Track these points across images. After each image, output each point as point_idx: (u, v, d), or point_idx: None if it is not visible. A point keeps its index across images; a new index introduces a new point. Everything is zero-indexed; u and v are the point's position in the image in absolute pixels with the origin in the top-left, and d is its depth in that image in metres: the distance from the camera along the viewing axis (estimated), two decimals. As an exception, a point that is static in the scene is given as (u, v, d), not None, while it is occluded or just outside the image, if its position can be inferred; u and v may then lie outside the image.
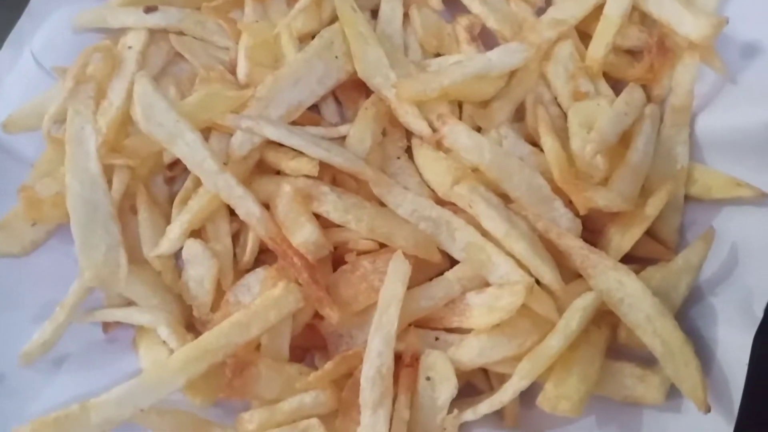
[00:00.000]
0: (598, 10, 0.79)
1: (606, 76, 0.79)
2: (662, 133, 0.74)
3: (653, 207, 0.67)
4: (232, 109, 0.73)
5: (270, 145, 0.73)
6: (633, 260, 0.68)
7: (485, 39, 0.83)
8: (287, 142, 0.71)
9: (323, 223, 0.68)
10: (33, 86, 0.82)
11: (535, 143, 0.75)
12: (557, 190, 0.70)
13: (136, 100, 0.70)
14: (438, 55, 0.84)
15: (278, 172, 0.74)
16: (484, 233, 0.67)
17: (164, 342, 0.68)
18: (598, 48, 0.77)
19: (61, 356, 0.72)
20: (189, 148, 0.70)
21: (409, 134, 0.77)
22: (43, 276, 0.75)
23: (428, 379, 0.62)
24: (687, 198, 0.71)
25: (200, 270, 0.69)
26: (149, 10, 0.83)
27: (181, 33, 0.83)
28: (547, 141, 0.71)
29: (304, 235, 0.65)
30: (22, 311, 0.74)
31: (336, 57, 0.78)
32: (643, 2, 0.78)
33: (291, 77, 0.75)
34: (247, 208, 0.68)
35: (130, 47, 0.79)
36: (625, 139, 0.72)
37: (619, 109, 0.72)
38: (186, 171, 0.73)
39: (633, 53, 0.80)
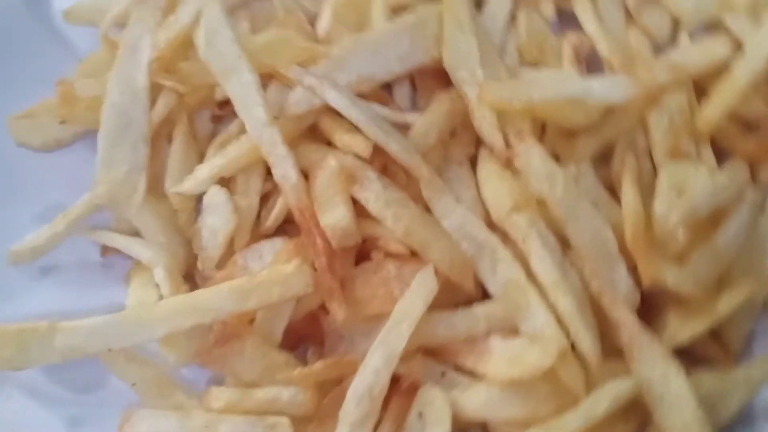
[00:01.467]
0: (723, 66, 0.70)
1: (712, 141, 0.70)
2: (760, 224, 0.64)
3: (726, 304, 0.59)
4: (301, 61, 0.67)
5: (328, 110, 0.66)
6: (686, 356, 0.58)
7: (591, 63, 0.75)
8: (347, 113, 0.64)
9: (359, 211, 0.61)
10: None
11: (614, 192, 0.67)
12: (624, 251, 0.61)
13: (203, 22, 0.64)
14: (535, 66, 0.76)
15: (329, 143, 0.68)
16: (530, 275, 0.59)
17: (157, 285, 0.63)
18: (715, 109, 0.68)
19: (50, 266, 0.68)
20: (243, 89, 0.64)
21: (479, 142, 0.69)
22: (58, 177, 0.71)
23: (420, 415, 0.54)
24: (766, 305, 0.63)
25: (218, 221, 0.63)
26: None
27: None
28: (628, 193, 0.63)
29: (335, 216, 0.58)
30: (26, 207, 0.70)
31: (425, 38, 0.71)
32: (776, 74, 0.68)
33: (371, 45, 0.69)
34: (285, 170, 0.62)
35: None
36: (715, 218, 0.63)
37: (719, 182, 0.63)
38: (235, 114, 0.67)
39: (748, 124, 0.71)
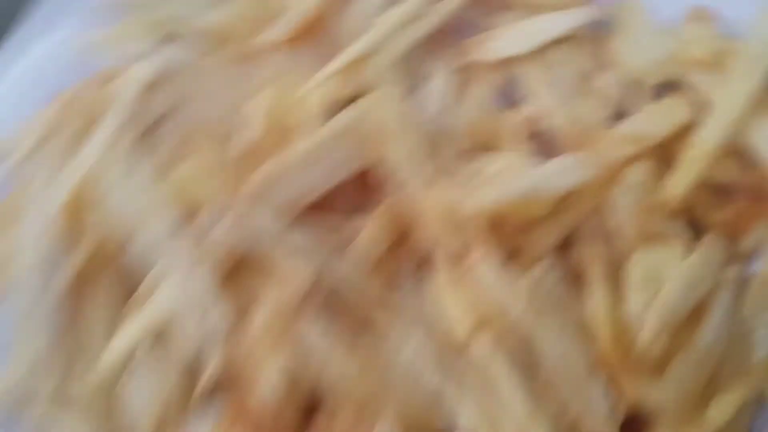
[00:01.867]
0: (686, 129, 0.65)
1: (685, 212, 0.64)
2: (743, 309, 0.59)
3: (719, 412, 0.53)
4: (226, 190, 0.61)
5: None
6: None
7: (544, 139, 0.69)
8: (282, 242, 0.59)
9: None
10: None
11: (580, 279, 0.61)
12: (600, 359, 0.56)
13: (111, 164, 0.59)
14: (486, 146, 0.70)
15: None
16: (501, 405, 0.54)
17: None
18: (680, 183, 0.62)
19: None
20: (163, 232, 0.58)
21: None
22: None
23: None
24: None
25: (145, 392, 0.57)
26: (164, 41, 0.71)
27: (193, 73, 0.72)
28: (597, 297, 0.57)
29: (266, 382, 0.52)
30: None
31: (362, 138, 0.65)
32: (748, 133, 0.63)
33: (304, 158, 0.63)
34: (212, 322, 0.56)
35: (120, 92, 0.67)
36: (693, 311, 0.57)
37: (693, 273, 0.58)
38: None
39: (721, 190, 0.65)
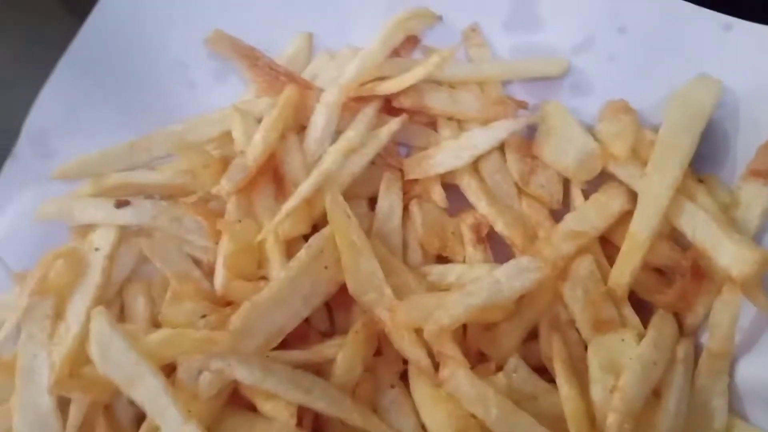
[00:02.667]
0: (623, 216, 0.70)
1: (632, 293, 0.69)
2: (697, 381, 0.63)
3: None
4: (201, 349, 0.64)
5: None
6: None
7: (494, 241, 0.74)
8: (262, 386, 0.61)
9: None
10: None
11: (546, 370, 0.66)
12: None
13: (92, 338, 0.62)
14: (440, 256, 0.75)
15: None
16: None
17: None
18: (623, 273, 0.67)
19: None
20: (150, 394, 0.61)
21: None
22: None
23: None
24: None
25: None
26: (121, 204, 0.74)
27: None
28: (563, 389, 0.61)
29: None
30: None
31: (325, 267, 0.69)
32: (675, 217, 0.68)
33: (271, 302, 0.66)
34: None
35: (97, 249, 0.71)
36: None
37: (647, 358, 0.62)
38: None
39: (662, 272, 0.70)
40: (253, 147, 0.74)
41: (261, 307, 0.65)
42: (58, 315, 0.68)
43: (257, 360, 0.64)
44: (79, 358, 0.66)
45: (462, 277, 0.70)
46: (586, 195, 0.73)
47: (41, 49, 0.89)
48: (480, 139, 0.74)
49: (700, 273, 0.67)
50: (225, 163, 0.75)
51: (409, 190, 0.77)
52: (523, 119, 0.75)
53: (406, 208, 0.76)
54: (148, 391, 0.61)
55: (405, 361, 0.68)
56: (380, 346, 0.69)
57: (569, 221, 0.70)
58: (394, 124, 0.76)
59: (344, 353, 0.66)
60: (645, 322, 0.67)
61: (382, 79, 0.79)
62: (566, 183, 0.75)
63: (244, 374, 0.61)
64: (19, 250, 0.76)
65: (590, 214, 0.70)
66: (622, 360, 0.63)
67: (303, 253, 0.69)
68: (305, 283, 0.67)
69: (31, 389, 0.64)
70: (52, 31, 0.90)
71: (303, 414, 0.63)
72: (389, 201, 0.75)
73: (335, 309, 0.73)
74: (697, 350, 0.66)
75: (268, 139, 0.73)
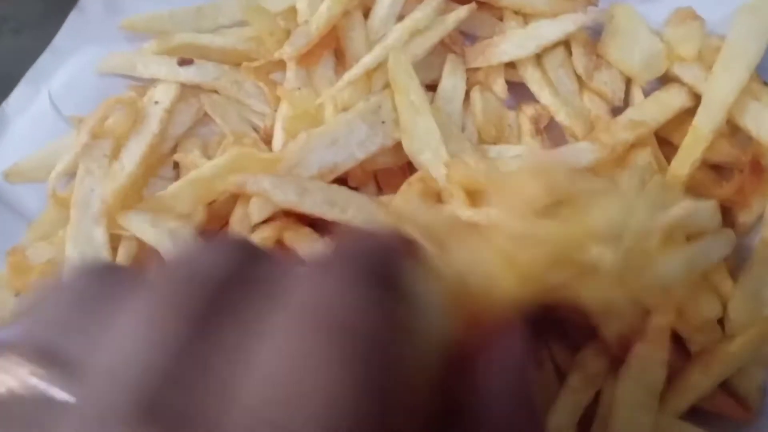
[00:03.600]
0: (682, 115, 0.70)
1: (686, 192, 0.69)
2: (750, 269, 0.63)
3: (738, 346, 0.57)
4: (268, 169, 0.65)
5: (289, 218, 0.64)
6: (702, 418, 0.58)
7: (552, 134, 0.74)
8: (299, 209, 0.62)
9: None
10: (46, 132, 0.74)
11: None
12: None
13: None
14: (497, 141, 0.75)
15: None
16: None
17: None
18: (684, 164, 0.67)
19: None
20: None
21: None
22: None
23: None
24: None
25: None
26: (184, 62, 0.75)
27: (215, 91, 0.76)
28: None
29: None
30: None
31: (383, 122, 0.69)
32: (739, 115, 0.68)
33: (328, 136, 0.67)
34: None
35: (156, 102, 0.71)
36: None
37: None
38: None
39: (719, 169, 0.70)
40: (317, 17, 0.74)
41: (317, 138, 0.66)
42: (116, 154, 0.68)
43: (292, 181, 0.64)
44: (135, 195, 0.67)
45: (519, 157, 0.70)
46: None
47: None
48: (547, 30, 0.74)
49: (760, 168, 0.67)
50: (289, 33, 0.75)
51: (470, 78, 0.77)
52: (591, 14, 0.75)
53: (466, 96, 0.76)
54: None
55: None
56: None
57: (629, 113, 0.70)
58: (462, 11, 0.75)
59: (397, 200, 0.67)
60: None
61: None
62: (628, 84, 0.75)
63: (279, 197, 0.62)
64: (76, 101, 0.76)
65: (651, 108, 0.70)
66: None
67: (361, 104, 0.69)
68: (361, 128, 0.68)
69: (85, 220, 0.64)
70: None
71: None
72: (453, 82, 0.75)
73: (385, 190, 0.73)
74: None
75: (332, 11, 0.73)
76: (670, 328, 0.59)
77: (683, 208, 0.58)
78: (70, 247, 0.63)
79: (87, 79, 0.77)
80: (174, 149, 0.73)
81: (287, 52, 0.73)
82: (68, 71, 0.78)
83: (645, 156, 0.68)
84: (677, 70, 0.72)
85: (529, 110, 0.74)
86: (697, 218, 0.61)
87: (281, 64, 0.76)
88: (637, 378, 0.58)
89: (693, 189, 0.68)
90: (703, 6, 0.76)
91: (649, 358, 0.58)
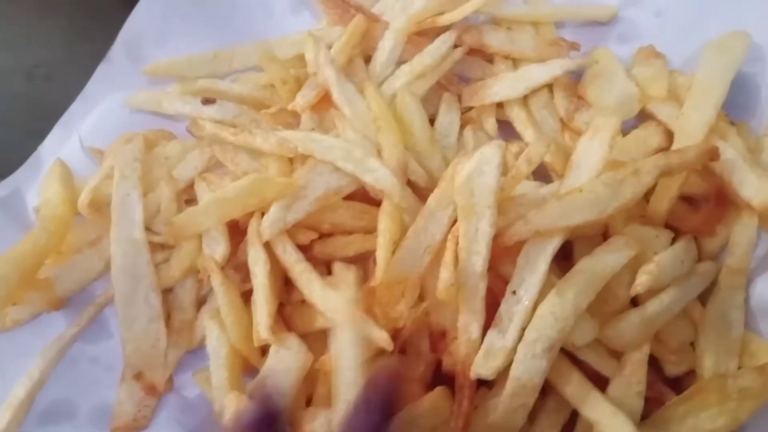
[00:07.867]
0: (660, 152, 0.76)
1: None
2: (717, 294, 0.70)
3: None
4: (282, 196, 0.72)
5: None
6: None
7: (536, 169, 0.80)
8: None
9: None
10: (77, 171, 0.82)
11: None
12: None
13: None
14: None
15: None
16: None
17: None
18: (662, 200, 0.73)
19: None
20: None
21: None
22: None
23: None
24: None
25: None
26: (207, 101, 0.83)
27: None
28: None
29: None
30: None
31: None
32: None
33: (332, 165, 0.74)
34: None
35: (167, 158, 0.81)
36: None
37: (677, 254, 0.69)
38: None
39: (689, 200, 0.77)
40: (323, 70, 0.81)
41: (322, 165, 0.73)
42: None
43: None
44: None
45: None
46: (624, 135, 0.79)
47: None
48: (536, 73, 0.81)
49: (725, 199, 0.73)
50: (300, 82, 0.83)
51: (464, 115, 0.84)
52: (576, 59, 0.82)
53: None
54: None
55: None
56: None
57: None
58: (457, 52, 0.83)
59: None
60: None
61: (441, 14, 0.85)
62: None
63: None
64: (104, 142, 0.83)
65: (630, 147, 0.77)
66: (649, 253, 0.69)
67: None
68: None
69: (125, 221, 0.74)
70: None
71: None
72: (449, 118, 0.83)
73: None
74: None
75: (337, 61, 0.81)
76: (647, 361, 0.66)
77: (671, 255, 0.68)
78: (115, 249, 0.72)
79: (113, 120, 0.85)
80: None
81: (299, 104, 0.80)
82: (96, 115, 0.85)
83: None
84: (653, 108, 0.79)
85: (513, 147, 0.80)
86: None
87: (296, 114, 0.83)
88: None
89: (667, 220, 0.75)
90: (677, 48, 0.82)
91: (627, 390, 0.65)
